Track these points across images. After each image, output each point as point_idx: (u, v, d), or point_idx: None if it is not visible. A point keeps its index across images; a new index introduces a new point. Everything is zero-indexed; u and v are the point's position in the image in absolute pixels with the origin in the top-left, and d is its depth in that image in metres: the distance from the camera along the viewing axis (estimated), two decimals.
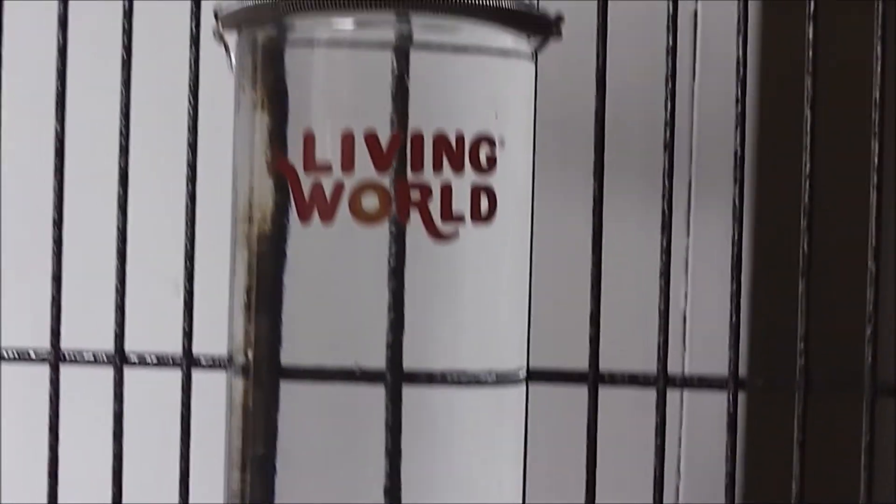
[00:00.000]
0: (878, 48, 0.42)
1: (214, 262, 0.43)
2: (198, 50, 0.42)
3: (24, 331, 0.48)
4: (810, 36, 0.42)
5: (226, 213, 0.41)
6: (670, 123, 0.43)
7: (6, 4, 0.43)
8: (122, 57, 0.43)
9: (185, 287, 0.43)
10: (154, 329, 0.45)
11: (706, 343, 0.59)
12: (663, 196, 0.42)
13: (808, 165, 0.42)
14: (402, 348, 0.38)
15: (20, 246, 0.52)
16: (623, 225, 0.55)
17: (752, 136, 0.59)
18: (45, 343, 0.44)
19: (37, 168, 0.46)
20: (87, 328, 0.45)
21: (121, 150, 0.43)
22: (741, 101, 0.42)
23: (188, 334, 0.43)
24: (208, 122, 0.43)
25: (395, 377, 0.38)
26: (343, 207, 0.37)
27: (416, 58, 0.38)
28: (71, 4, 0.43)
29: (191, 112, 0.42)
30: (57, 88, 0.43)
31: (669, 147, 0.42)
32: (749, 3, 0.43)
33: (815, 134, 0.42)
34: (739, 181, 0.43)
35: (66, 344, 0.44)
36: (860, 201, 0.42)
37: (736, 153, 0.43)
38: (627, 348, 0.48)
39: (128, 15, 0.43)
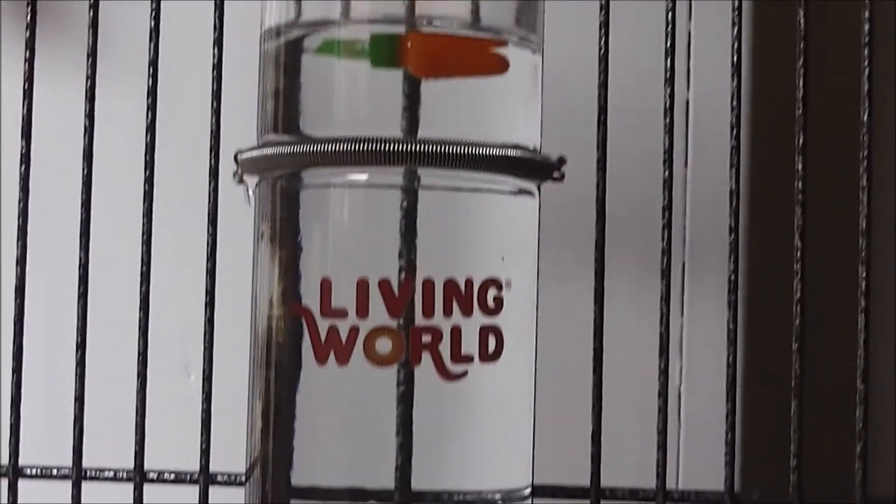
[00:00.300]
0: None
1: (231, 374, 0.45)
2: (217, 181, 0.44)
3: (37, 442, 0.50)
4: (800, 148, 0.44)
5: (242, 332, 0.43)
6: (667, 247, 0.44)
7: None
8: (145, 189, 0.45)
9: (203, 407, 0.45)
10: (163, 413, 0.47)
11: (700, 428, 0.61)
12: (661, 321, 0.44)
13: (798, 292, 0.44)
14: (410, 469, 0.39)
15: (38, 361, 0.54)
16: (619, 336, 0.56)
17: (744, 254, 0.60)
18: (59, 455, 0.46)
19: (61, 290, 0.48)
20: (104, 436, 0.46)
21: (142, 278, 0.44)
22: (734, 229, 0.44)
23: (205, 452, 0.45)
24: (227, 248, 0.45)
25: (404, 497, 0.40)
26: (358, 350, 0.38)
27: (424, 198, 0.39)
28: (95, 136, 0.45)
29: (209, 241, 0.44)
30: (81, 216, 0.45)
31: (666, 273, 0.44)
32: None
33: (805, 286, 0.44)
34: (734, 305, 0.45)
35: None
36: (849, 331, 0.44)
37: (730, 278, 0.45)
38: (621, 448, 0.50)
39: (150, 149, 0.45)
